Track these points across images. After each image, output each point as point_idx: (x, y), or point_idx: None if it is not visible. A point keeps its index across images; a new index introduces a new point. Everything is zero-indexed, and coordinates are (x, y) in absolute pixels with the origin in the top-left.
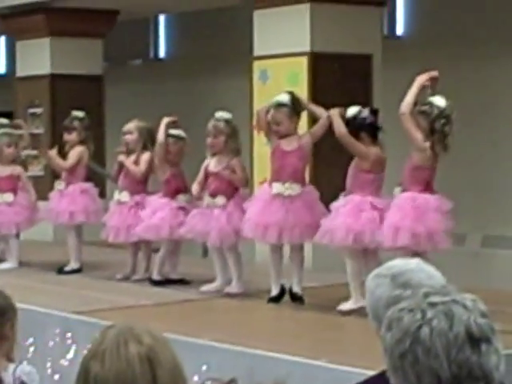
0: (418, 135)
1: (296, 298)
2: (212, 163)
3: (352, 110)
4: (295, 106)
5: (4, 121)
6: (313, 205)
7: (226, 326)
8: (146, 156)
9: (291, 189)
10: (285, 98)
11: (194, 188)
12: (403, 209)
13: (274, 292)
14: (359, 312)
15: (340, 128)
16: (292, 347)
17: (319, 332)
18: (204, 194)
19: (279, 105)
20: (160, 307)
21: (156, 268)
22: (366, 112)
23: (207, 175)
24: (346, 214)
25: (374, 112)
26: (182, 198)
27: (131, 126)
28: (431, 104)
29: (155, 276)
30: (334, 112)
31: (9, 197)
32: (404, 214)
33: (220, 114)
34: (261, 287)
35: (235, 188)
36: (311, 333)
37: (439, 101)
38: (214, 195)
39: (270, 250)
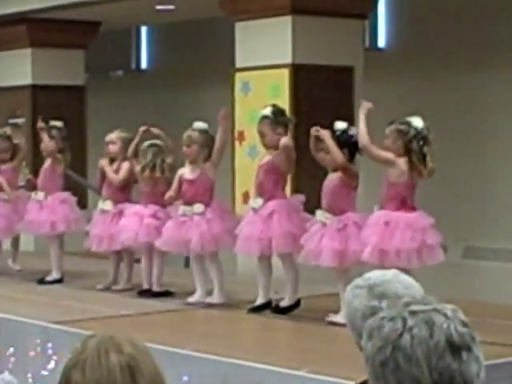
0: (388, 155)
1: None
2: (187, 171)
3: (341, 125)
4: (277, 118)
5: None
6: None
7: (208, 336)
8: (125, 165)
9: (256, 202)
10: (267, 110)
11: (168, 195)
12: (373, 226)
13: (262, 300)
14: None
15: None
16: (273, 357)
17: (302, 342)
18: (178, 203)
19: (262, 117)
20: (141, 317)
21: (156, 279)
22: (353, 130)
23: (181, 184)
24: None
25: None
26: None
27: (114, 135)
28: (409, 124)
29: (156, 287)
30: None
31: None
32: (373, 232)
33: (196, 124)
34: (242, 297)
35: (211, 195)
36: (293, 343)
37: (417, 121)
38: (190, 203)
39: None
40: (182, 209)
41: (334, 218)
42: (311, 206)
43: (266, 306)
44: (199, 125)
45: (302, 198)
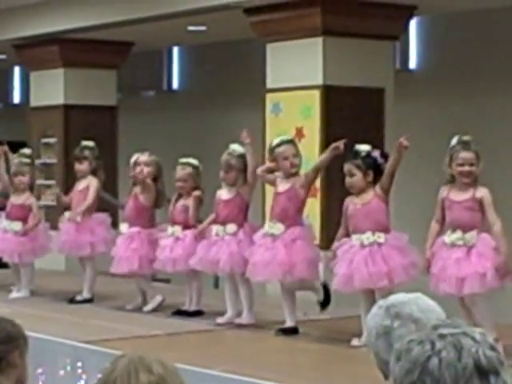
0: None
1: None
2: (224, 192)
3: (364, 147)
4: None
5: (24, 151)
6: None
7: (237, 357)
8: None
9: (277, 229)
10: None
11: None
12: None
13: (290, 323)
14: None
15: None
16: (302, 379)
17: (330, 364)
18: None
19: (286, 141)
20: (171, 337)
21: (195, 299)
22: (377, 153)
23: (218, 205)
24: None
25: (385, 156)
26: None
27: (146, 158)
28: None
29: (193, 307)
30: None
31: (17, 225)
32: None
33: (232, 148)
34: (271, 318)
35: (245, 217)
36: (322, 365)
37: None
38: (223, 223)
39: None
40: (215, 229)
41: (388, 237)
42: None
43: (295, 329)
44: (236, 149)
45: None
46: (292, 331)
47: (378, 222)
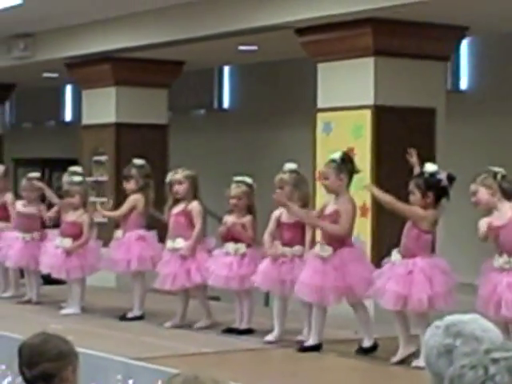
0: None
1: (367, 350)
2: (284, 213)
3: (431, 167)
4: (344, 164)
5: (75, 169)
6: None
7: (287, 376)
8: (196, 209)
9: (325, 250)
10: (336, 154)
11: (266, 239)
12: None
13: (313, 341)
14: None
15: (385, 198)
16: None
17: (378, 383)
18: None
19: (330, 160)
20: (221, 355)
21: (246, 317)
22: (443, 175)
23: (279, 225)
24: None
25: (451, 178)
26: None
27: (180, 175)
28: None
29: (244, 325)
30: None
31: (67, 242)
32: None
33: (286, 166)
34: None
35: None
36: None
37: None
38: (290, 245)
39: (316, 307)
40: (282, 249)
41: (402, 261)
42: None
43: (317, 347)
44: (289, 166)
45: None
46: (314, 348)
47: (405, 246)
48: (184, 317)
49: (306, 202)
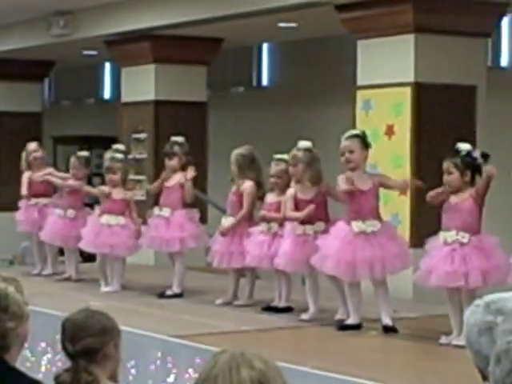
0: None
1: (388, 330)
2: (299, 191)
3: (465, 146)
4: (366, 139)
5: (117, 146)
6: (394, 237)
7: (326, 354)
8: (247, 189)
9: (373, 225)
10: (356, 130)
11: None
12: None
13: (353, 320)
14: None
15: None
16: (390, 376)
17: (420, 362)
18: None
19: (352, 135)
20: (260, 333)
21: (284, 295)
22: (477, 153)
23: (296, 203)
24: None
25: (485, 156)
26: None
27: (232, 157)
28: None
29: (283, 303)
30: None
31: (114, 219)
32: None
33: (300, 144)
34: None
35: (328, 213)
36: (411, 362)
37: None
38: (310, 222)
39: (348, 285)
40: (302, 228)
41: (473, 238)
42: (432, 229)
43: (357, 327)
44: (304, 144)
45: None
46: (354, 327)
47: (466, 223)
48: (235, 295)
49: (318, 181)
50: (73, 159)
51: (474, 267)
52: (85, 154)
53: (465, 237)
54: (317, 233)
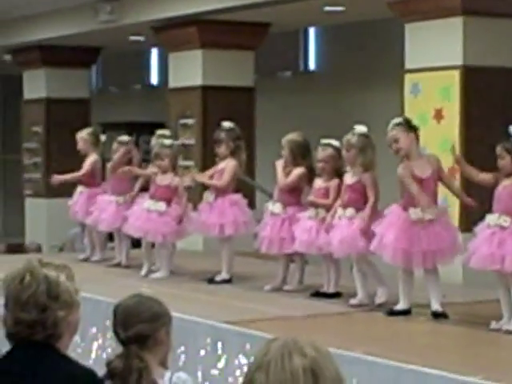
0: None
1: (438, 316)
2: (348, 176)
3: None
4: (409, 124)
5: (163, 132)
6: (448, 225)
7: (375, 340)
8: (296, 170)
9: (431, 213)
10: (398, 119)
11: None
12: None
13: (402, 306)
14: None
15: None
16: (440, 362)
17: (469, 347)
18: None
19: (394, 125)
20: (309, 319)
21: (333, 281)
22: None
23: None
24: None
25: None
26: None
27: (283, 141)
28: None
29: (332, 289)
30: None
31: (162, 206)
32: None
33: (356, 129)
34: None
35: (365, 201)
36: (461, 348)
37: None
38: (345, 207)
39: (402, 272)
40: (339, 212)
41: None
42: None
43: (406, 312)
44: (360, 129)
45: None
46: (404, 313)
47: (509, 207)
48: (285, 281)
49: (369, 168)
50: (115, 145)
51: (509, 251)
52: (126, 138)
53: (506, 220)
54: (347, 218)
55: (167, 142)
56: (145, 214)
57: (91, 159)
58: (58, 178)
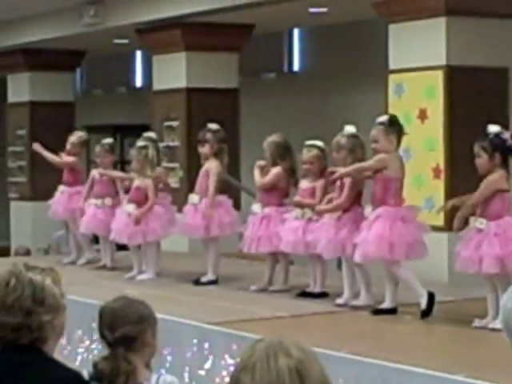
0: None
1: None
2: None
3: (493, 128)
4: (393, 126)
5: (149, 134)
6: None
7: (361, 339)
8: (274, 169)
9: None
10: (383, 117)
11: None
12: None
13: (388, 305)
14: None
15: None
16: (427, 361)
17: (455, 346)
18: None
19: (377, 124)
20: (296, 319)
21: (319, 281)
22: (507, 134)
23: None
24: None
25: None
26: None
27: (264, 144)
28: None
29: (318, 289)
30: None
31: (130, 208)
32: None
33: (345, 129)
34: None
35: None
36: (446, 347)
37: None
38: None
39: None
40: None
41: (490, 224)
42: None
43: (392, 311)
44: (349, 129)
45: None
46: (389, 311)
47: (485, 208)
48: (271, 281)
49: None
50: (98, 148)
51: (485, 253)
52: (109, 141)
53: (482, 223)
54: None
55: (140, 143)
56: (119, 217)
57: (74, 158)
58: (39, 148)
